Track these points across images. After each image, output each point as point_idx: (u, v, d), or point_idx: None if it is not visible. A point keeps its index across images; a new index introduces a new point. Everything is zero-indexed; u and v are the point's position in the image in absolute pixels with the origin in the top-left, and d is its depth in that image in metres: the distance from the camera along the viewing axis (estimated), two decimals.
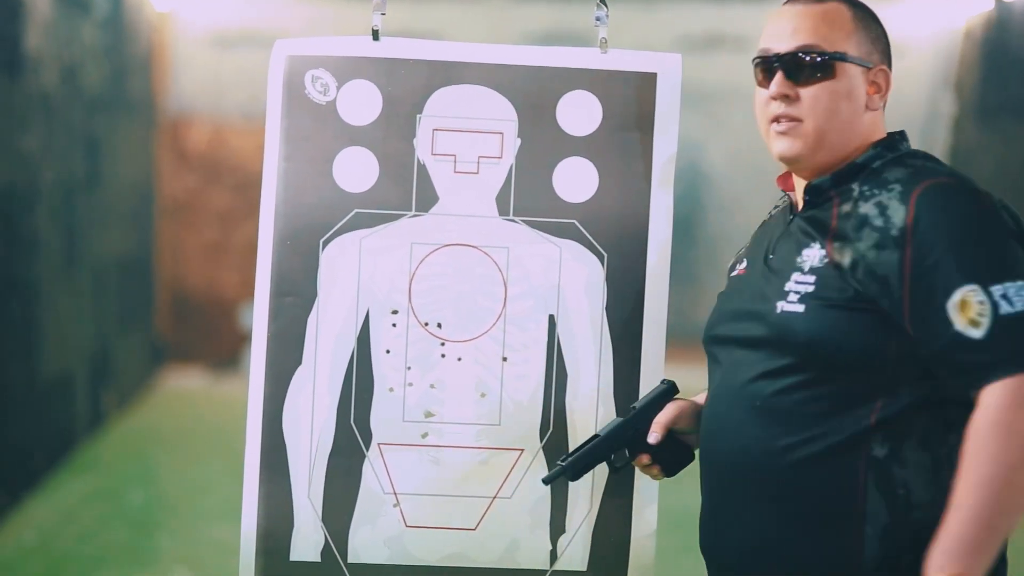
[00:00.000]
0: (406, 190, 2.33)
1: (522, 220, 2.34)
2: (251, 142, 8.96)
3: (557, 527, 2.34)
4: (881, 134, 2.01)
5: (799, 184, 2.03)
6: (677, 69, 2.34)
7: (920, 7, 8.83)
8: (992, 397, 1.79)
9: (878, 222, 1.88)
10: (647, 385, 2.30)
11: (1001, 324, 1.79)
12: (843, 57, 1.96)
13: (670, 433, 2.13)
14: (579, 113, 2.33)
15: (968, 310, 1.80)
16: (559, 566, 2.34)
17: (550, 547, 2.34)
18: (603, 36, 2.34)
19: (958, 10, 8.48)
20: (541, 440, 2.33)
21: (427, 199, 2.33)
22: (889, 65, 2.01)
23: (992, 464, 1.77)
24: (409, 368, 2.33)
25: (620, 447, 2.16)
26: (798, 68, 1.96)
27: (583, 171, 2.33)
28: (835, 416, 1.89)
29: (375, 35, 2.33)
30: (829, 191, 1.97)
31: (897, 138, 2.00)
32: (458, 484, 2.32)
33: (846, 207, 1.93)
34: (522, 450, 2.33)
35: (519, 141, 2.34)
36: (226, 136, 9.24)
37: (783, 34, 1.99)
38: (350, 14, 8.77)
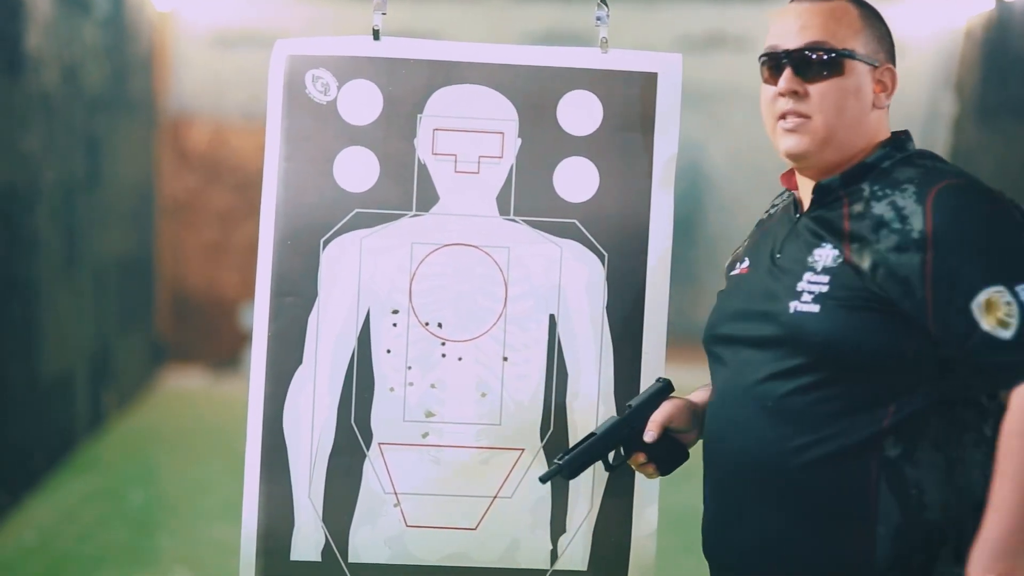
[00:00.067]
0: (407, 190, 2.33)
1: (523, 220, 2.34)
2: (251, 142, 8.96)
3: (558, 527, 2.34)
4: (886, 133, 2.01)
5: (804, 183, 2.03)
6: (678, 69, 2.34)
7: (921, 7, 8.83)
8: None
9: (896, 224, 1.88)
10: (647, 385, 2.30)
11: None
12: (851, 54, 1.96)
13: (665, 432, 2.13)
14: (580, 113, 2.33)
15: (996, 311, 1.81)
16: (559, 566, 2.34)
17: (551, 547, 2.34)
18: (604, 36, 2.34)
19: (959, 10, 8.48)
20: (542, 440, 2.33)
21: (428, 199, 2.33)
22: (894, 64, 2.01)
23: None
24: (410, 368, 2.33)
25: (616, 445, 2.16)
26: (807, 65, 1.96)
27: (584, 171, 2.33)
28: (849, 417, 1.89)
29: (376, 35, 2.33)
30: (838, 191, 1.97)
31: (903, 138, 2.00)
32: (459, 484, 2.32)
33: (857, 207, 1.93)
34: (523, 450, 2.33)
35: (520, 141, 2.34)
36: (227, 136, 9.24)
37: (791, 31, 1.98)
38: (350, 14, 8.76)
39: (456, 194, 2.33)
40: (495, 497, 2.33)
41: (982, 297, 1.82)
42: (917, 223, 1.86)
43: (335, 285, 2.32)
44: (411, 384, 2.33)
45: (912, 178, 1.92)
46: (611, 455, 2.18)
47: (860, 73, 1.97)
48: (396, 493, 2.33)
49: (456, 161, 2.33)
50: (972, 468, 1.88)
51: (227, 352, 9.07)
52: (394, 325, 2.33)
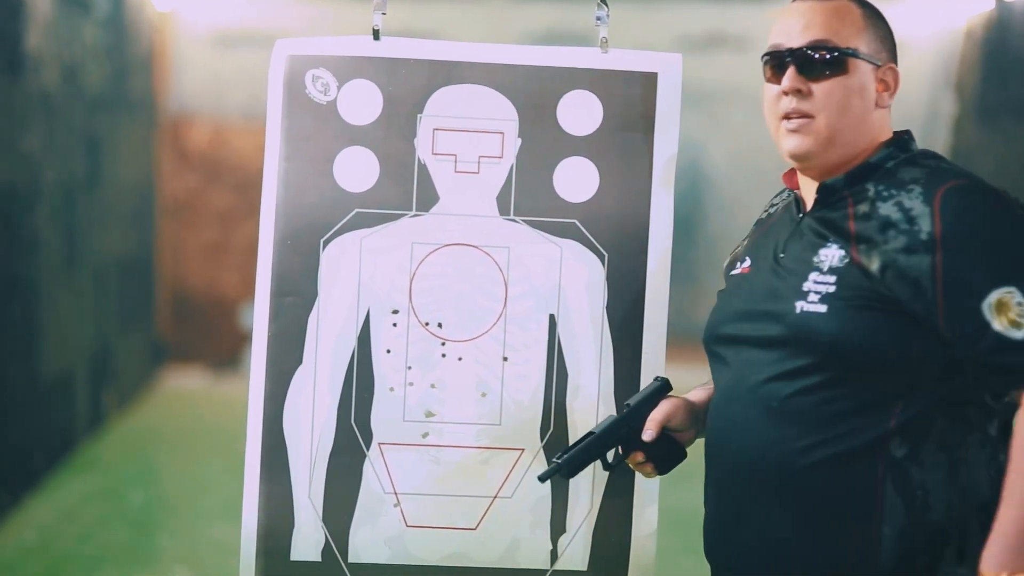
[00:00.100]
0: (407, 190, 2.33)
1: (523, 220, 2.34)
2: (252, 142, 8.96)
3: (558, 527, 2.34)
4: (888, 133, 2.01)
5: (806, 183, 2.03)
6: (678, 69, 2.34)
7: (921, 7, 8.83)
8: None
9: (904, 225, 1.88)
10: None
11: None
12: (855, 53, 1.96)
13: (664, 431, 2.12)
14: (580, 113, 2.33)
15: (1007, 311, 1.82)
16: (559, 566, 2.34)
17: (551, 547, 2.34)
18: (604, 36, 2.34)
19: (959, 10, 8.48)
20: (542, 440, 2.33)
21: (428, 199, 2.33)
22: (896, 64, 2.01)
23: None
24: (410, 368, 2.33)
25: (615, 444, 2.16)
26: (810, 63, 1.96)
27: (584, 171, 2.33)
28: (855, 417, 1.89)
29: (376, 35, 2.33)
30: (842, 191, 1.97)
31: (906, 138, 2.00)
32: (459, 484, 2.32)
33: (862, 208, 1.93)
34: (523, 450, 2.33)
35: (520, 141, 2.34)
36: (227, 136, 9.24)
37: (794, 30, 1.98)
38: (350, 14, 8.76)
39: (456, 194, 2.33)
40: (495, 497, 2.33)
41: (993, 298, 1.82)
42: (925, 224, 1.86)
43: (335, 285, 2.32)
44: (411, 384, 2.33)
45: (917, 178, 1.92)
46: (610, 454, 2.18)
47: (863, 72, 1.97)
48: (396, 493, 2.33)
49: (456, 161, 2.33)
50: (976, 468, 1.89)
51: (227, 352, 9.07)
52: (394, 325, 2.33)
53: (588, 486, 2.33)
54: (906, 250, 1.86)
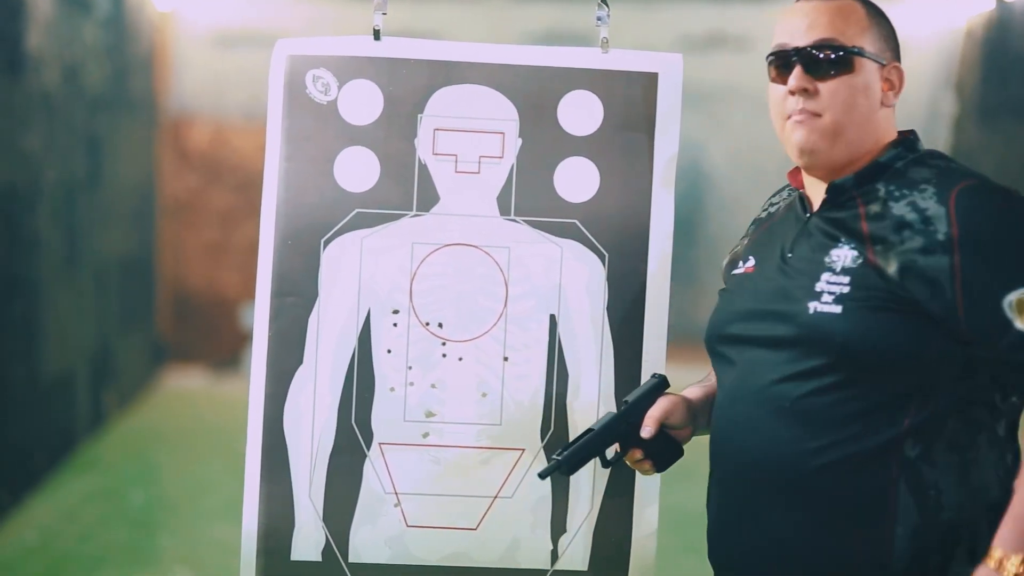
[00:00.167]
0: (407, 190, 2.33)
1: (523, 220, 2.34)
2: (252, 142, 8.96)
3: (558, 527, 2.34)
4: (893, 132, 2.00)
5: (812, 183, 2.02)
6: (678, 69, 2.34)
7: (921, 7, 8.83)
8: None
9: (920, 225, 1.87)
10: None
11: None
12: (860, 52, 1.95)
13: (662, 428, 2.12)
14: (580, 113, 2.33)
15: None
16: (560, 566, 2.34)
17: (551, 547, 2.34)
18: (604, 36, 2.34)
19: (959, 10, 8.48)
20: (542, 440, 2.33)
21: (428, 199, 2.33)
22: (900, 63, 2.01)
23: None
24: (410, 368, 2.33)
25: (614, 441, 2.15)
26: (816, 62, 1.96)
27: (584, 171, 2.33)
28: (869, 418, 1.88)
29: (376, 35, 2.33)
30: (851, 191, 1.96)
31: (912, 138, 2.00)
32: (459, 484, 2.32)
33: (874, 208, 1.93)
34: (523, 450, 2.33)
35: (520, 141, 2.34)
36: (227, 136, 9.24)
37: (799, 29, 1.98)
38: (351, 14, 8.76)
39: (456, 194, 2.33)
40: (495, 497, 2.33)
41: (1013, 296, 1.83)
42: (942, 225, 1.86)
43: (335, 285, 2.32)
44: (411, 384, 2.33)
45: (929, 179, 1.92)
46: (609, 451, 2.18)
47: (869, 71, 1.96)
48: (396, 493, 2.33)
49: (457, 161, 2.33)
50: (986, 469, 1.89)
51: (227, 352, 9.07)
52: (394, 325, 2.33)
53: (588, 486, 2.33)
54: (923, 251, 1.86)
